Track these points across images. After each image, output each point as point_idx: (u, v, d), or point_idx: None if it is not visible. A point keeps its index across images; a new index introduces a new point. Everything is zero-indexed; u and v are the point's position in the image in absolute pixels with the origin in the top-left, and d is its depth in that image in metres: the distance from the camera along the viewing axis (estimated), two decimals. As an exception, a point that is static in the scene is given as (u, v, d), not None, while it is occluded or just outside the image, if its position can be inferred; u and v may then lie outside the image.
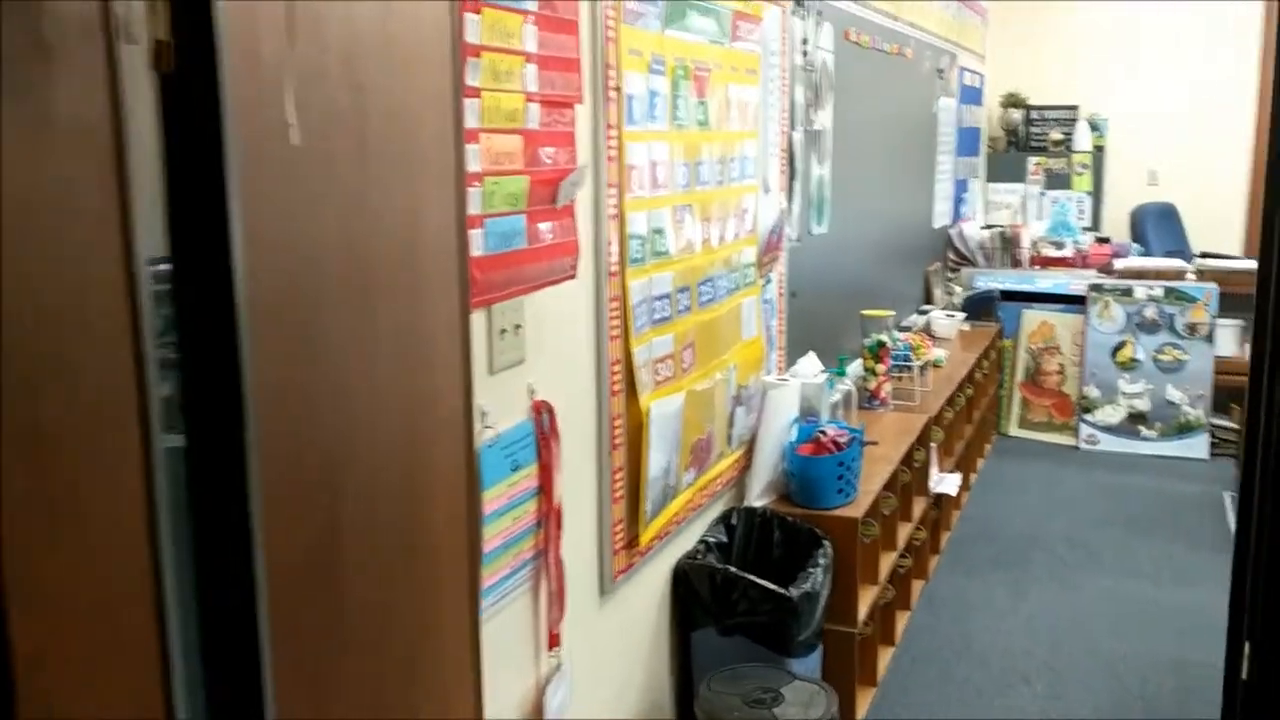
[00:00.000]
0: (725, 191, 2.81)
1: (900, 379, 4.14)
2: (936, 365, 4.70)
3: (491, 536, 1.86)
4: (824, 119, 3.65)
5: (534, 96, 1.91)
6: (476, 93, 1.75)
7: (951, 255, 6.28)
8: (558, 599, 2.06)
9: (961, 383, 4.65)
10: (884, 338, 3.96)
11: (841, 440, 3.00)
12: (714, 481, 2.85)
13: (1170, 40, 7.27)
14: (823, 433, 3.02)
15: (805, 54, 3.42)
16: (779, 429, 3.04)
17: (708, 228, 2.70)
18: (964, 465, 4.90)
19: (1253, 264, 5.69)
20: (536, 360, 1.99)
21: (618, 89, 2.21)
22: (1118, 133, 7.36)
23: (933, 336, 5.33)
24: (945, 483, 4.12)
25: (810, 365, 3.36)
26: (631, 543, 2.38)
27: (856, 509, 2.98)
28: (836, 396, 3.44)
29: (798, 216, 3.45)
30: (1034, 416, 5.94)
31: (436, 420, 1.44)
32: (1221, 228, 7.28)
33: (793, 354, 3.45)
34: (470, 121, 1.73)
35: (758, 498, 3.01)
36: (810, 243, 3.62)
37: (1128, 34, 7.34)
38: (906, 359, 4.13)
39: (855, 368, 4.13)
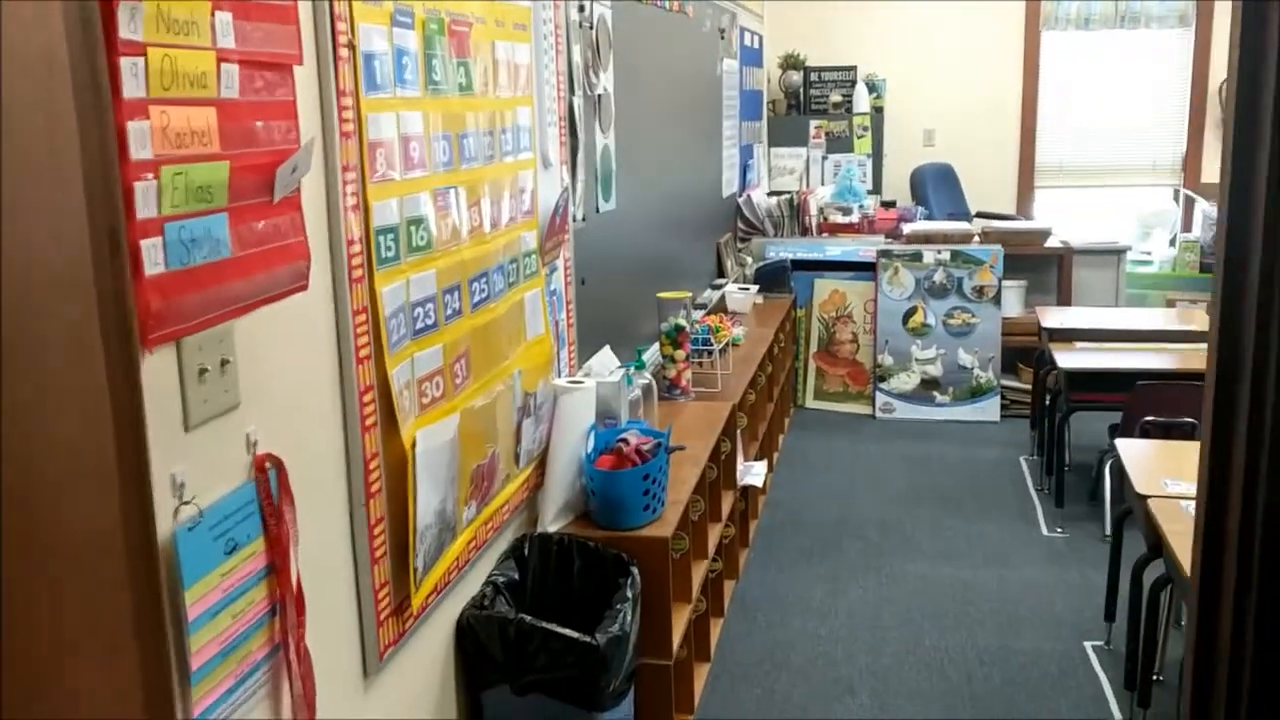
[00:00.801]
0: (498, 168, 2.38)
1: (701, 364, 3.83)
2: (736, 344, 4.43)
3: (203, 645, 1.39)
4: (606, 82, 3.26)
5: (231, 55, 1.42)
6: (140, 49, 1.26)
7: (741, 225, 6.05)
8: (305, 701, 1.61)
9: (762, 361, 4.40)
10: (682, 321, 3.63)
11: (646, 448, 2.65)
12: (501, 509, 2.44)
13: (940, 3, 7.26)
14: (624, 441, 2.66)
15: (582, 8, 3.01)
16: (574, 439, 2.65)
17: (479, 212, 2.27)
18: (767, 445, 4.67)
19: (1033, 224, 5.68)
20: (255, 403, 1.52)
21: (351, 46, 1.75)
22: (895, 94, 7.32)
23: (729, 312, 5.08)
24: (753, 473, 3.85)
25: (605, 361, 2.99)
26: (401, 607, 1.94)
27: (665, 525, 2.64)
28: (636, 393, 3.08)
29: (582, 193, 3.06)
30: (830, 387, 5.80)
31: (62, 534, 0.96)
32: (995, 187, 7.38)
33: (585, 349, 3.07)
34: (132, 89, 1.25)
35: (553, 521, 2.62)
36: (598, 222, 3.24)
37: (901, -6, 7.29)
38: (707, 342, 3.82)
39: (653, 355, 3.80)
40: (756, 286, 5.37)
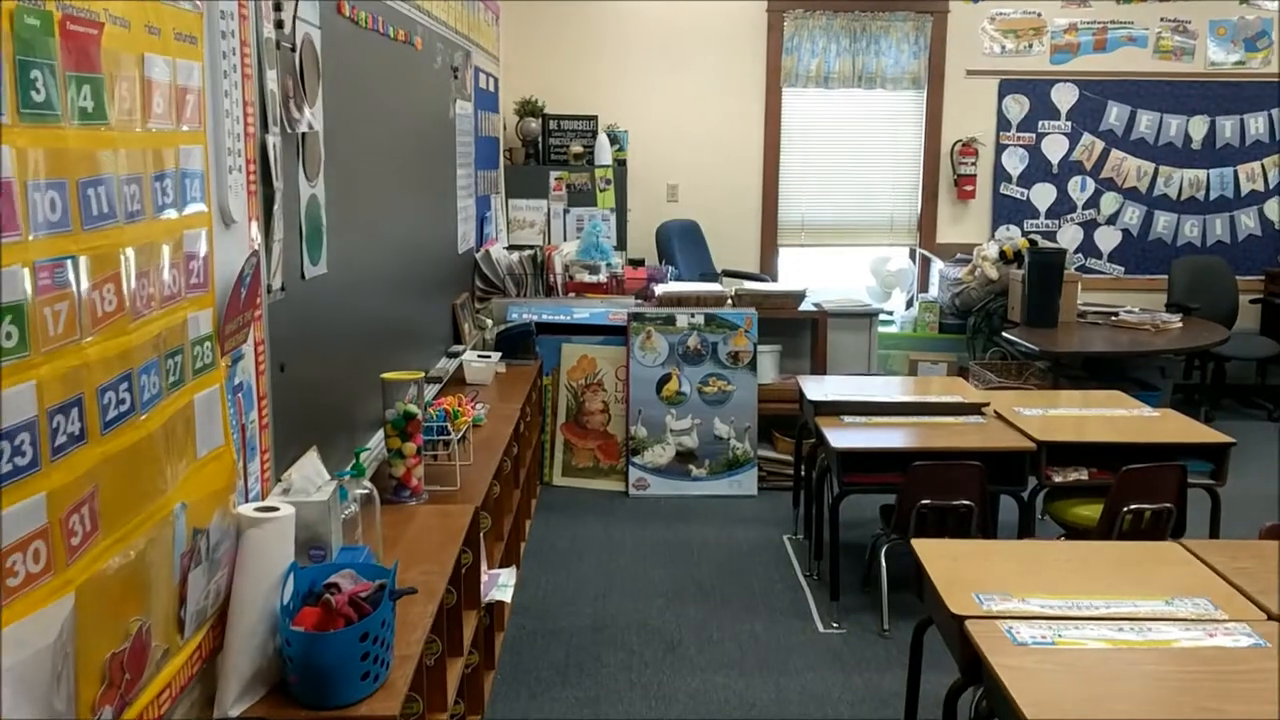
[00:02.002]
0: (149, 228, 1.71)
1: (436, 457, 3.22)
2: (477, 425, 3.85)
3: None
4: (313, 117, 2.63)
5: None
6: None
7: (480, 283, 5.48)
8: None
9: (508, 444, 3.82)
10: (413, 407, 3.01)
11: (363, 596, 2.02)
12: (158, 700, 1.75)
13: (681, 55, 7.02)
14: (334, 589, 2.01)
15: (280, 24, 2.38)
16: (265, 588, 1.99)
17: (116, 290, 1.60)
18: (514, 537, 4.10)
19: (787, 287, 5.40)
20: None
21: None
22: (638, 146, 7.00)
23: (468, 384, 4.49)
24: (500, 584, 3.26)
25: (310, 473, 2.34)
26: None
27: (392, 694, 2.01)
28: (352, 508, 2.44)
29: (281, 256, 2.40)
30: (579, 462, 5.29)
31: None
32: (739, 244, 7.18)
33: (286, 454, 2.41)
34: None
35: (237, 702, 1.94)
36: (303, 291, 2.59)
37: (640, 43, 7.00)
38: (443, 430, 3.21)
39: (377, 448, 3.16)
40: (498, 354, 4.80)
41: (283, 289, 2.42)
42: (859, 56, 7.04)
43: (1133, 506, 3.58)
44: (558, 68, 6.99)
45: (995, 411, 4.08)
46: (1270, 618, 2.34)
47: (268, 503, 2.14)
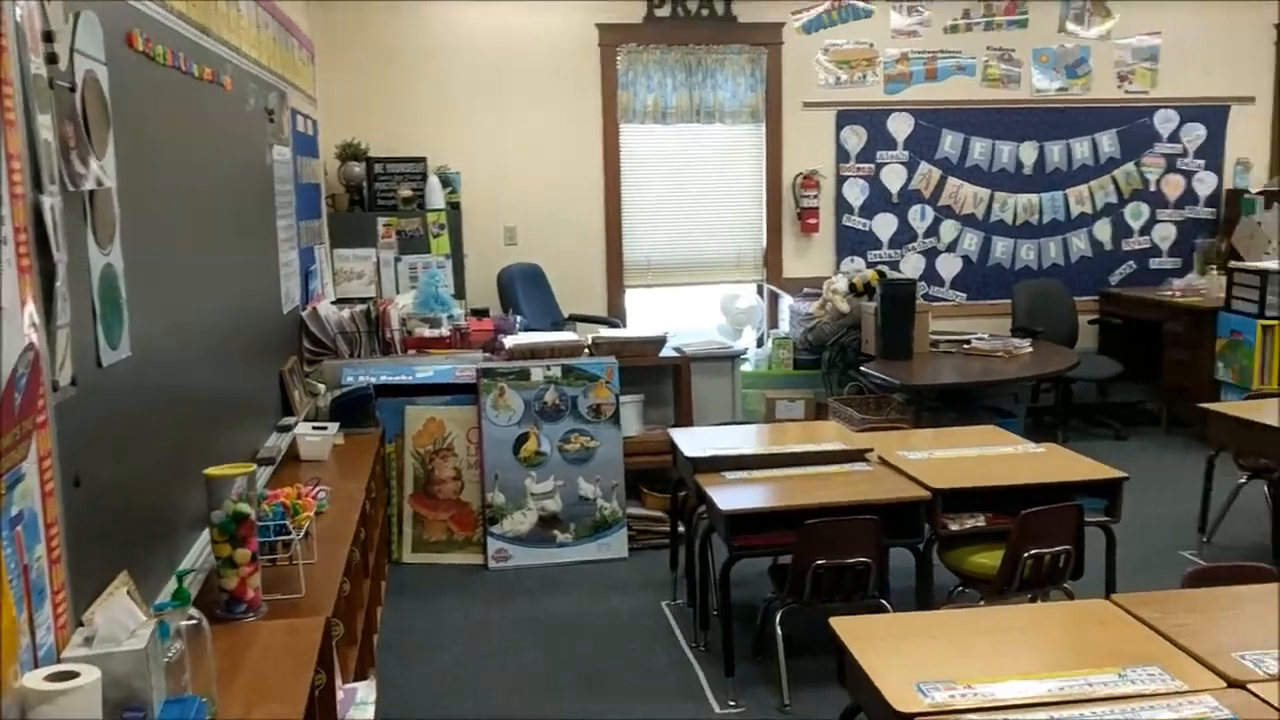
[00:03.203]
0: None
1: (275, 561, 2.75)
2: (320, 513, 3.38)
3: None
4: (102, 171, 2.16)
5: None
6: None
7: (308, 345, 4.97)
8: None
9: (356, 530, 3.36)
10: (244, 506, 2.54)
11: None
12: None
13: (512, 92, 6.69)
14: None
15: (52, 58, 1.92)
16: (63, 785, 1.52)
17: None
18: (366, 634, 3.63)
19: (647, 333, 5.10)
20: None
21: None
22: (472, 188, 6.62)
23: (302, 461, 4.01)
24: (358, 702, 2.81)
25: (120, 613, 1.87)
26: None
27: None
28: (176, 647, 1.98)
29: (68, 345, 1.93)
30: (431, 535, 4.84)
31: None
32: (584, 287, 6.88)
33: (85, 590, 1.93)
34: None
35: None
36: (100, 382, 2.11)
37: (468, 80, 6.64)
38: (282, 529, 2.75)
39: (203, 556, 2.67)
40: (335, 423, 4.32)
41: (73, 383, 1.95)
42: (696, 90, 6.86)
43: (1033, 551, 3.40)
44: (381, 108, 6.55)
45: (879, 457, 3.86)
46: (1230, 684, 2.14)
47: (64, 665, 1.67)
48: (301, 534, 2.76)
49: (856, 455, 3.85)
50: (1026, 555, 3.40)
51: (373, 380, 4.74)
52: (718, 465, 3.77)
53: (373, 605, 3.98)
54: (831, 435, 4.15)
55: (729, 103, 6.90)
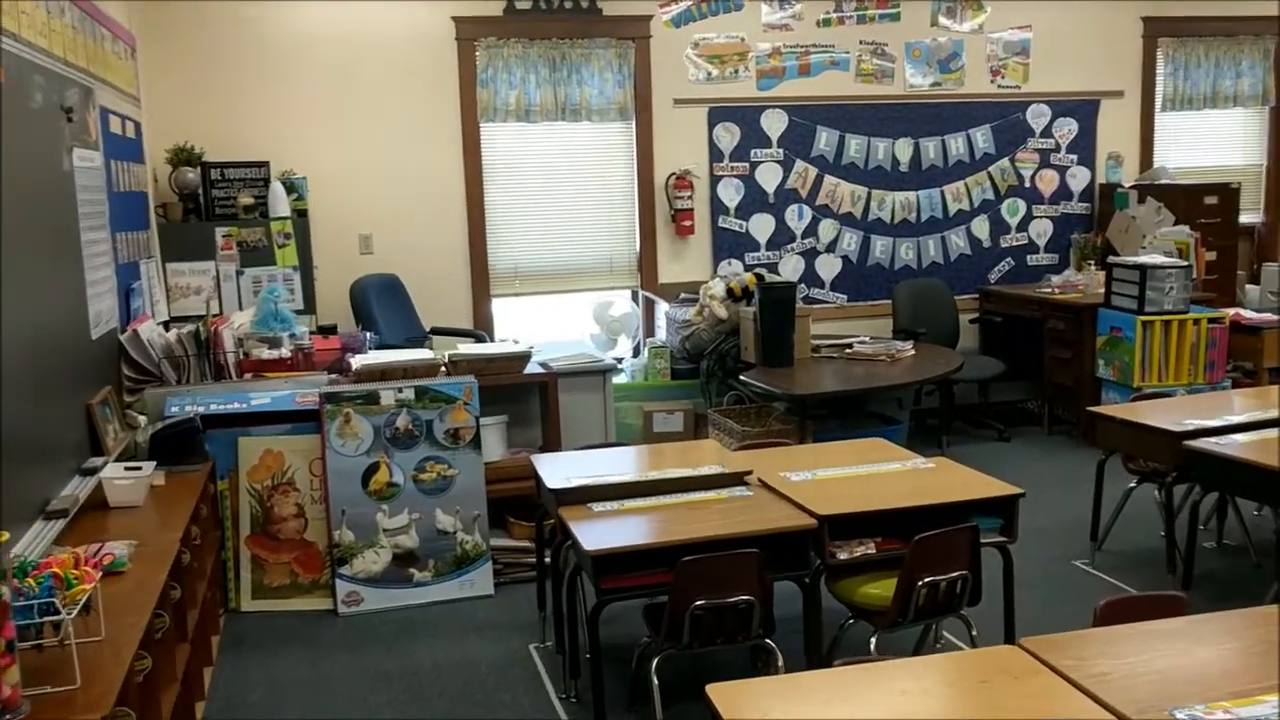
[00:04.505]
0: None
1: (42, 648, 2.27)
2: (116, 572, 2.89)
3: None
4: None
5: None
6: None
7: (129, 372, 4.43)
8: None
9: (165, 587, 2.89)
10: (-9, 587, 2.07)
11: None
12: None
13: (361, 90, 6.22)
14: None
15: None
16: None
17: None
18: (185, 705, 3.15)
19: (510, 348, 4.70)
20: None
21: None
22: (321, 194, 6.13)
23: (110, 508, 3.50)
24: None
25: None
26: None
27: None
28: None
29: None
30: (273, 580, 4.35)
31: None
32: (448, 297, 6.44)
33: None
34: None
35: None
36: None
37: (312, 79, 6.14)
38: (49, 607, 2.26)
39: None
40: (152, 462, 3.81)
41: None
42: (561, 87, 6.48)
43: (927, 579, 3.12)
44: (216, 109, 6.01)
45: (760, 480, 3.54)
46: (1163, 749, 1.86)
47: None
48: (74, 611, 2.28)
49: (736, 479, 3.52)
50: (921, 583, 3.12)
51: (200, 410, 4.23)
52: (583, 496, 3.39)
53: (196, 669, 3.50)
54: (709, 456, 3.82)
55: (596, 100, 6.54)
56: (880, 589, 3.22)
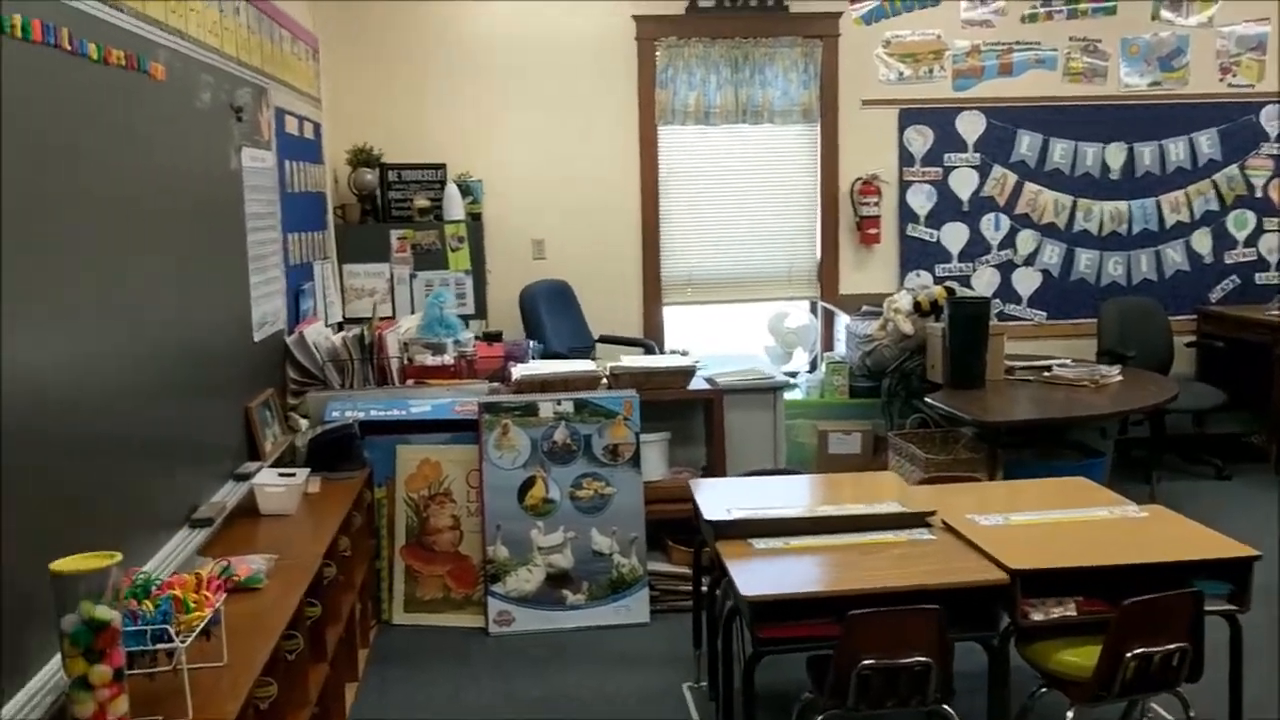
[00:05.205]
0: None
1: (154, 677, 2.15)
2: (252, 588, 2.79)
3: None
4: None
5: None
6: None
7: (294, 374, 4.40)
8: None
9: (296, 611, 2.76)
10: (104, 609, 1.95)
11: None
12: None
13: (540, 93, 6.10)
14: None
15: None
16: None
17: None
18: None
19: (673, 362, 4.44)
20: None
21: None
22: (495, 198, 6.04)
23: (262, 516, 3.43)
24: None
25: None
26: None
27: None
28: None
29: None
30: (426, 593, 4.23)
31: None
32: (618, 305, 6.25)
33: None
34: None
35: None
36: None
37: (492, 81, 6.07)
38: (163, 634, 2.14)
39: (53, 678, 2.08)
40: (306, 469, 3.74)
41: None
42: (742, 88, 6.20)
43: (1138, 650, 2.70)
44: (395, 110, 6.00)
45: (944, 521, 3.17)
46: None
47: None
48: (189, 639, 2.15)
49: (917, 520, 3.16)
50: (1130, 655, 2.69)
51: (359, 416, 4.15)
52: (744, 530, 3.11)
53: (338, 686, 3.38)
54: (888, 491, 3.46)
55: (779, 101, 6.23)
56: (1079, 656, 2.81)
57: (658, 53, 6.16)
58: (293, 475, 3.62)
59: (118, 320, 2.62)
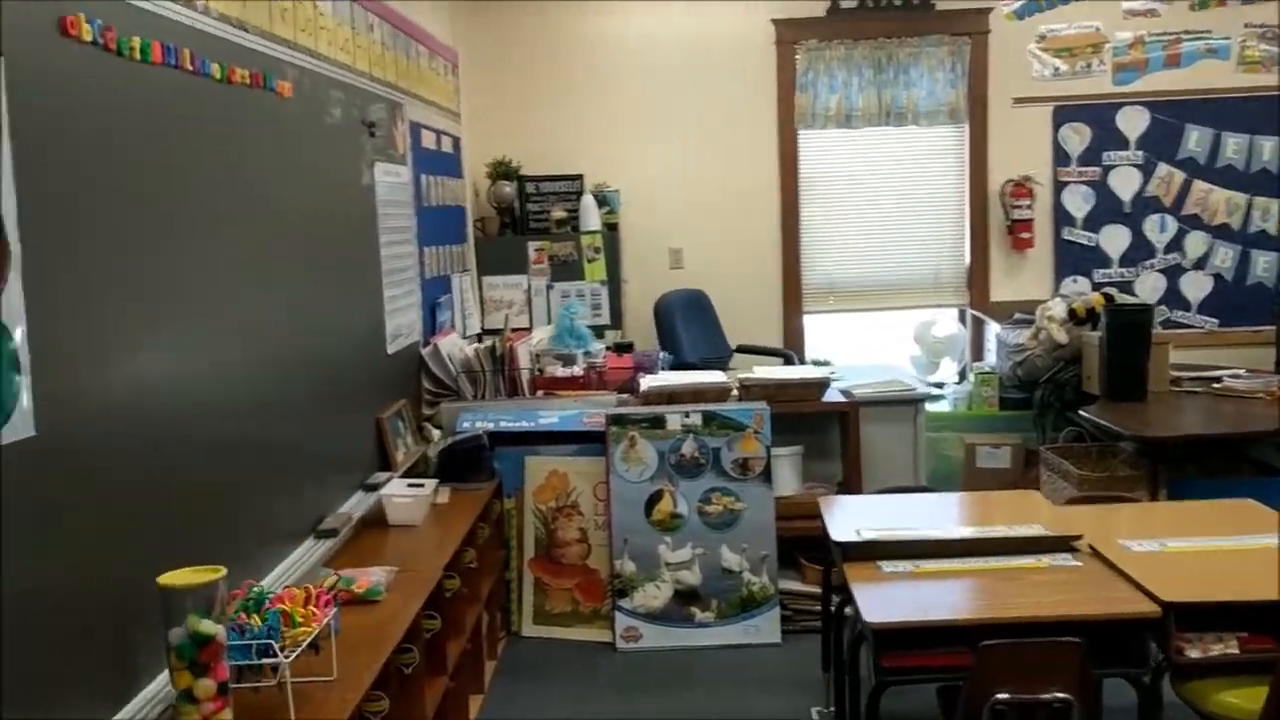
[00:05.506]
0: None
1: (258, 689, 2.16)
2: (371, 601, 2.80)
3: None
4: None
5: None
6: None
7: (429, 386, 4.46)
8: None
9: (411, 625, 2.75)
10: (208, 624, 1.97)
11: None
12: None
13: (677, 101, 6.05)
14: None
15: None
16: None
17: None
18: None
19: (806, 373, 4.27)
20: None
21: None
22: (632, 207, 6.00)
23: (390, 527, 3.47)
24: None
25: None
26: None
27: None
28: None
29: None
30: (554, 606, 4.21)
31: None
32: (757, 313, 6.13)
33: None
34: None
35: None
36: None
37: (629, 89, 6.05)
38: (266, 648, 2.15)
39: (160, 691, 2.11)
40: (434, 480, 3.76)
41: None
42: (886, 90, 6.01)
43: (1312, 695, 2.43)
44: (534, 122, 6.04)
45: (1091, 547, 2.95)
46: None
47: None
48: (294, 655, 2.15)
49: (1061, 544, 2.95)
50: (1303, 699, 2.44)
51: (489, 427, 4.16)
52: (872, 552, 2.96)
53: (460, 700, 3.38)
54: (1031, 511, 3.25)
55: (925, 102, 6.01)
56: (1242, 699, 2.56)
57: (798, 56, 6.03)
58: (420, 486, 3.64)
59: (248, 333, 2.67)
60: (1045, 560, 2.89)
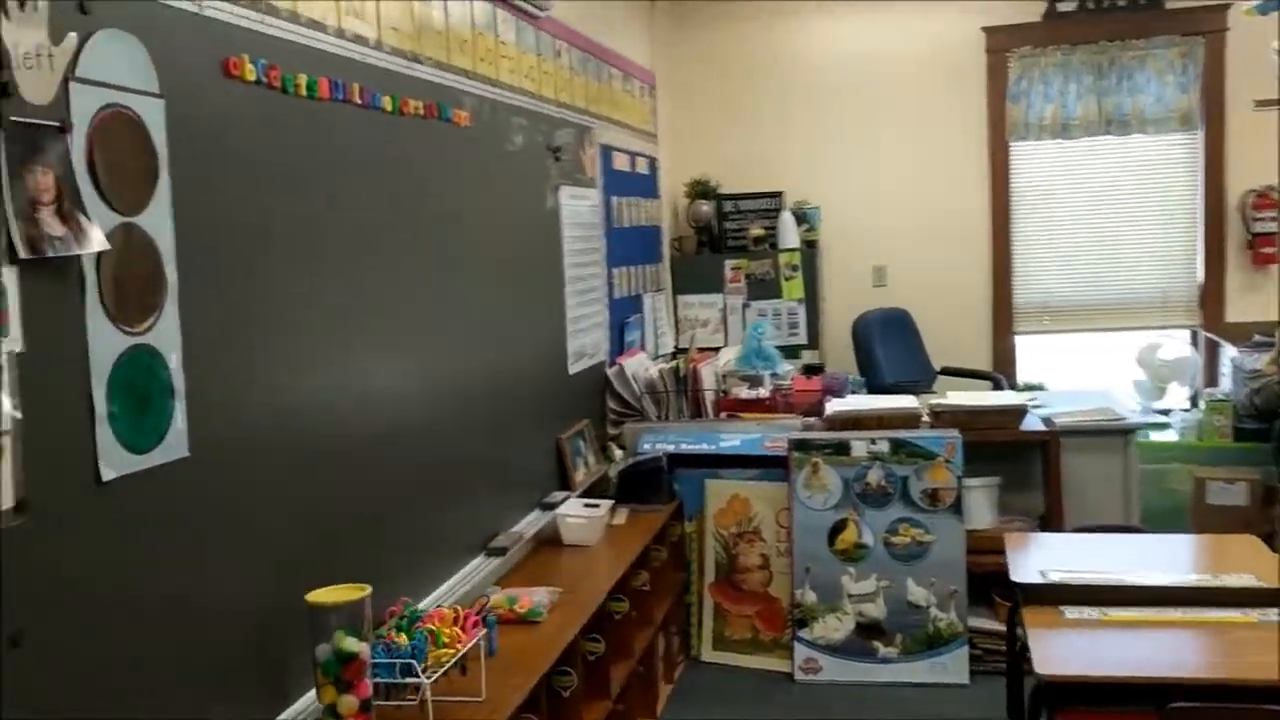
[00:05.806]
0: None
1: (400, 708, 2.20)
2: (531, 621, 2.83)
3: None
4: (96, 233, 1.73)
5: None
6: None
7: (614, 406, 4.49)
8: None
9: (568, 648, 2.75)
10: (351, 641, 2.03)
11: None
12: None
13: (881, 114, 5.88)
14: None
15: (3, 89, 1.50)
16: None
17: None
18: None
19: (1007, 398, 4.08)
20: None
21: None
22: (832, 225, 5.87)
23: (565, 546, 3.51)
24: None
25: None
26: None
27: None
28: None
29: (18, 457, 1.49)
30: (734, 632, 4.14)
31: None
32: (963, 334, 5.87)
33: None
34: None
35: None
36: (99, 503, 1.67)
37: (831, 104, 5.93)
38: (409, 668, 2.19)
39: (309, 708, 2.18)
40: (611, 501, 3.77)
41: (18, 510, 1.51)
42: (1107, 97, 5.64)
43: None
44: (733, 139, 6.01)
45: (1313, 602, 2.63)
46: None
47: None
48: (436, 675, 2.18)
49: (1272, 598, 2.65)
50: None
51: (669, 448, 4.14)
52: (1055, 596, 2.75)
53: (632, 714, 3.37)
54: (1244, 559, 2.94)
55: (1151, 108, 5.60)
56: None
57: (1010, 64, 5.74)
58: (595, 506, 3.66)
59: (425, 355, 2.77)
60: (1255, 615, 2.60)
